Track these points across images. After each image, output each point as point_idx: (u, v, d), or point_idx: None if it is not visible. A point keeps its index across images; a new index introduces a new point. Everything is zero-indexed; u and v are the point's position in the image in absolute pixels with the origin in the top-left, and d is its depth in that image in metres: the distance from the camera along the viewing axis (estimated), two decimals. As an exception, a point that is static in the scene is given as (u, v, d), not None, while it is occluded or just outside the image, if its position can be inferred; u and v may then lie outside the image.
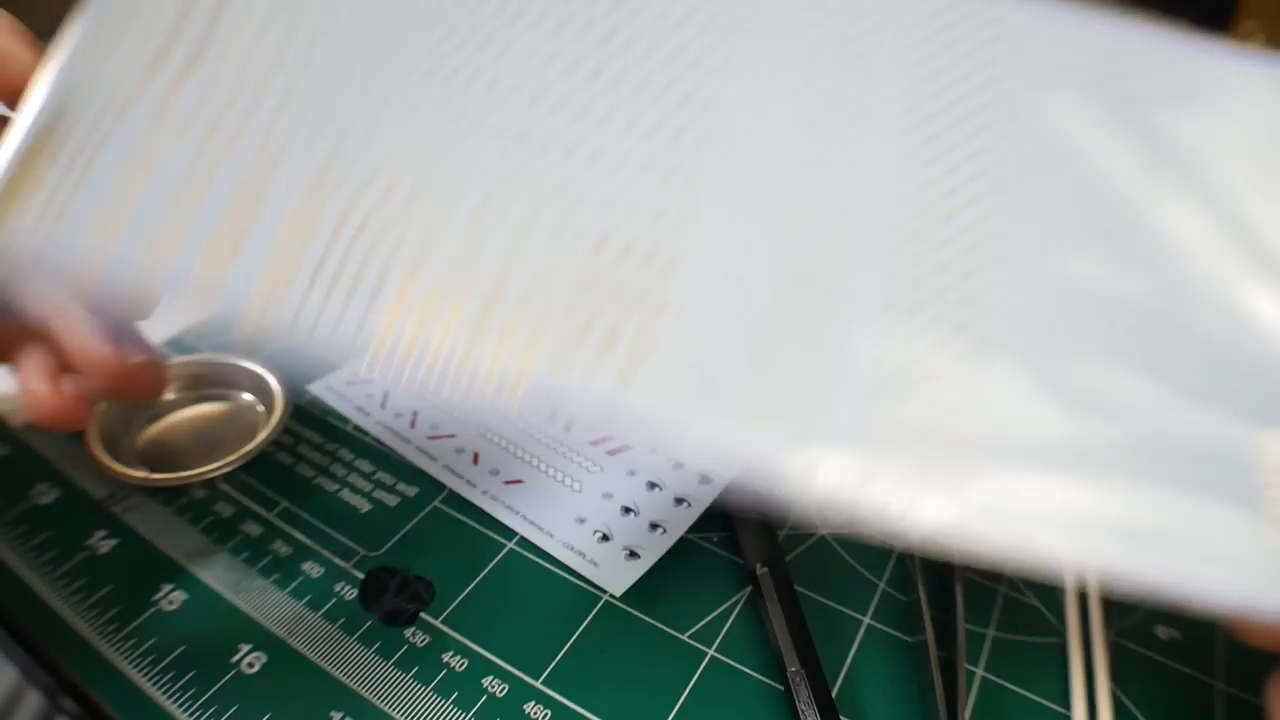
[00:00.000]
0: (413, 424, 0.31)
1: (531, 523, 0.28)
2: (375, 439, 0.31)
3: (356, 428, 0.31)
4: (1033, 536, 0.15)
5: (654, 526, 0.28)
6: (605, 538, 0.28)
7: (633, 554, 0.27)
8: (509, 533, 0.28)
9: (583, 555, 0.27)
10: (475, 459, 0.30)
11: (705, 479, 0.30)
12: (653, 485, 0.30)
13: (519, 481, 0.30)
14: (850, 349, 0.16)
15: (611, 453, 0.31)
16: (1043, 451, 0.16)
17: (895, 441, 0.16)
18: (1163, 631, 0.28)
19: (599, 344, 0.16)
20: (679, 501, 0.29)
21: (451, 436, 0.31)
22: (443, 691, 0.23)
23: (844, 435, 0.16)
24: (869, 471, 0.15)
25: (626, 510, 0.29)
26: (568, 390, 0.16)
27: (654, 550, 0.28)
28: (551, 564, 0.27)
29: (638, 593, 0.27)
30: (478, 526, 0.28)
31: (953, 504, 0.15)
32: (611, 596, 0.26)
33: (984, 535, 0.15)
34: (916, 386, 0.16)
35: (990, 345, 0.16)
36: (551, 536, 0.28)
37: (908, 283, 0.17)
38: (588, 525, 0.28)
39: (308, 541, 0.27)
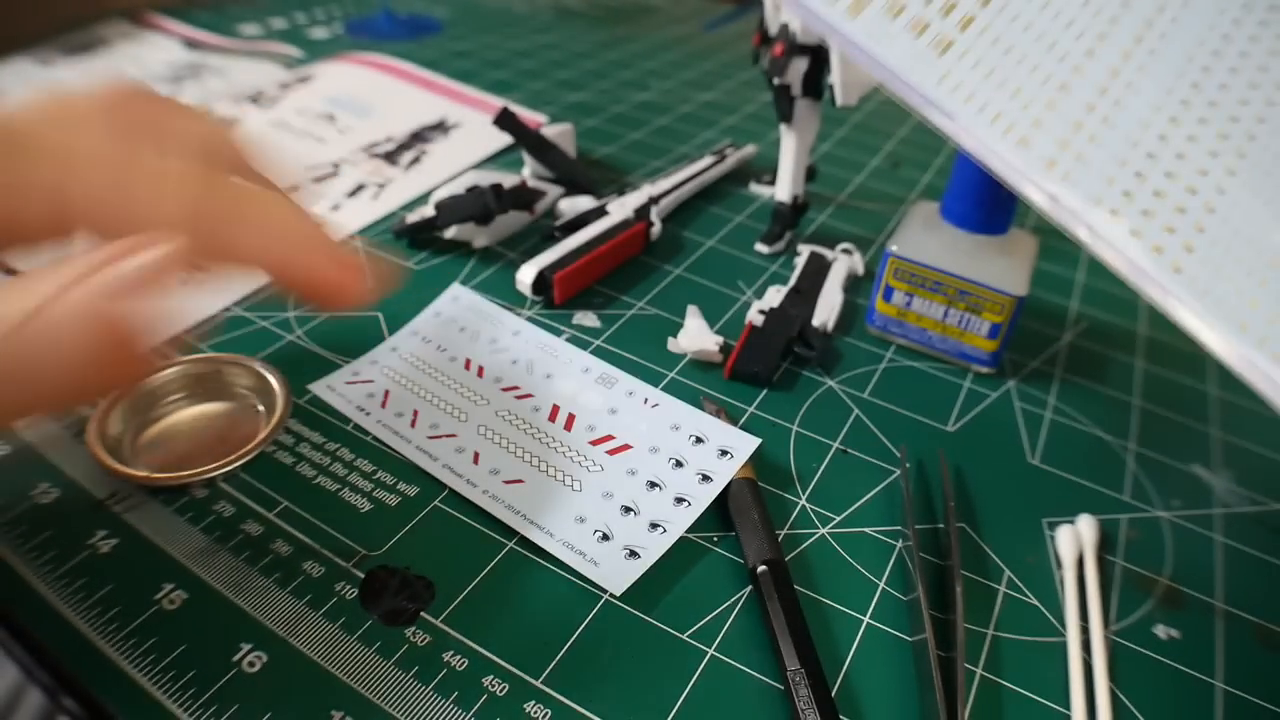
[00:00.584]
0: (413, 423, 0.31)
1: (531, 522, 0.28)
2: (375, 438, 0.31)
3: (357, 427, 0.31)
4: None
5: (654, 526, 0.28)
6: (605, 537, 0.28)
7: (633, 553, 0.27)
8: (509, 532, 0.28)
9: (583, 554, 0.27)
10: (475, 459, 0.30)
11: (706, 477, 0.30)
12: (653, 485, 0.29)
13: (519, 481, 0.29)
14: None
15: (612, 452, 0.31)
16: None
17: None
18: (1162, 631, 0.28)
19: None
20: (679, 501, 0.29)
21: (452, 436, 0.31)
22: (443, 691, 0.24)
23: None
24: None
25: (626, 510, 0.29)
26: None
27: (654, 550, 0.27)
28: (551, 563, 0.27)
29: (638, 592, 0.27)
30: (478, 526, 0.28)
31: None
32: (611, 596, 0.27)
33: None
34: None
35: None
36: (552, 536, 0.28)
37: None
38: (588, 525, 0.28)
39: (308, 541, 0.27)
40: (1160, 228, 0.21)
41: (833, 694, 0.25)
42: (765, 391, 0.36)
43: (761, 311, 0.38)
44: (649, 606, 0.27)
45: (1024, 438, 0.35)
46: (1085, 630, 0.27)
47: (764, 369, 0.36)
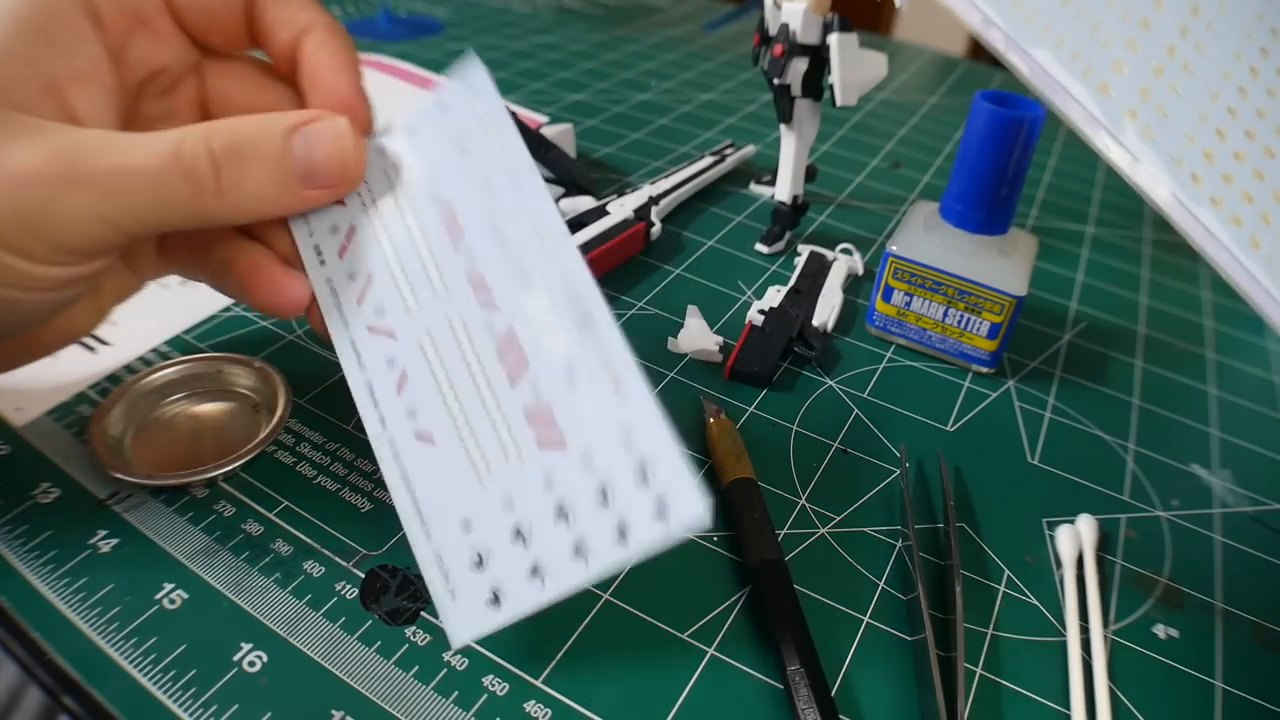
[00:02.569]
0: (361, 298, 0.26)
1: (417, 506, 0.24)
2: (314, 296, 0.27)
3: (357, 425, 0.31)
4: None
5: (534, 572, 0.22)
6: (480, 563, 0.23)
7: (495, 599, 0.22)
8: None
9: (445, 577, 0.23)
10: (400, 384, 0.25)
11: (622, 536, 0.21)
12: (561, 514, 0.22)
13: (429, 440, 0.24)
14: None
15: (541, 443, 0.23)
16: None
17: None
18: (1162, 631, 0.28)
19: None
20: (577, 552, 0.21)
21: (389, 337, 0.25)
22: (443, 690, 0.24)
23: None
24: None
25: (517, 534, 0.22)
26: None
27: (521, 604, 0.22)
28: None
29: (638, 592, 0.27)
30: (478, 526, 0.28)
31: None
32: (610, 598, 0.26)
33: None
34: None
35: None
36: (428, 537, 0.24)
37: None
38: (470, 538, 0.23)
39: (308, 540, 0.27)
40: (1239, 195, 0.20)
41: (833, 694, 0.25)
42: (765, 391, 0.36)
43: (761, 311, 0.38)
44: (649, 606, 0.27)
45: (1024, 438, 0.35)
46: (1085, 630, 0.27)
47: (764, 369, 0.36)
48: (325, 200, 0.25)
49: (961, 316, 0.37)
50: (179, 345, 0.34)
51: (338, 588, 0.26)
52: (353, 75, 0.26)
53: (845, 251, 0.46)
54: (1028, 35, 0.21)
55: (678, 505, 0.20)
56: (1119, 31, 0.21)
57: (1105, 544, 0.31)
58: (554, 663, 0.25)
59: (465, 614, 0.22)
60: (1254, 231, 0.20)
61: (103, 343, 0.34)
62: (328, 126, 0.24)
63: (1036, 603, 0.28)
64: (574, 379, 0.22)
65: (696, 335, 0.37)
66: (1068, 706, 0.25)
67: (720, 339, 0.37)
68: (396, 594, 0.26)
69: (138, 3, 0.25)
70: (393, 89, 0.60)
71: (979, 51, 1.33)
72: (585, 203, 0.46)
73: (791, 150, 0.44)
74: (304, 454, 0.30)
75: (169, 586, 0.25)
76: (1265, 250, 0.20)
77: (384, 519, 0.28)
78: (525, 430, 0.23)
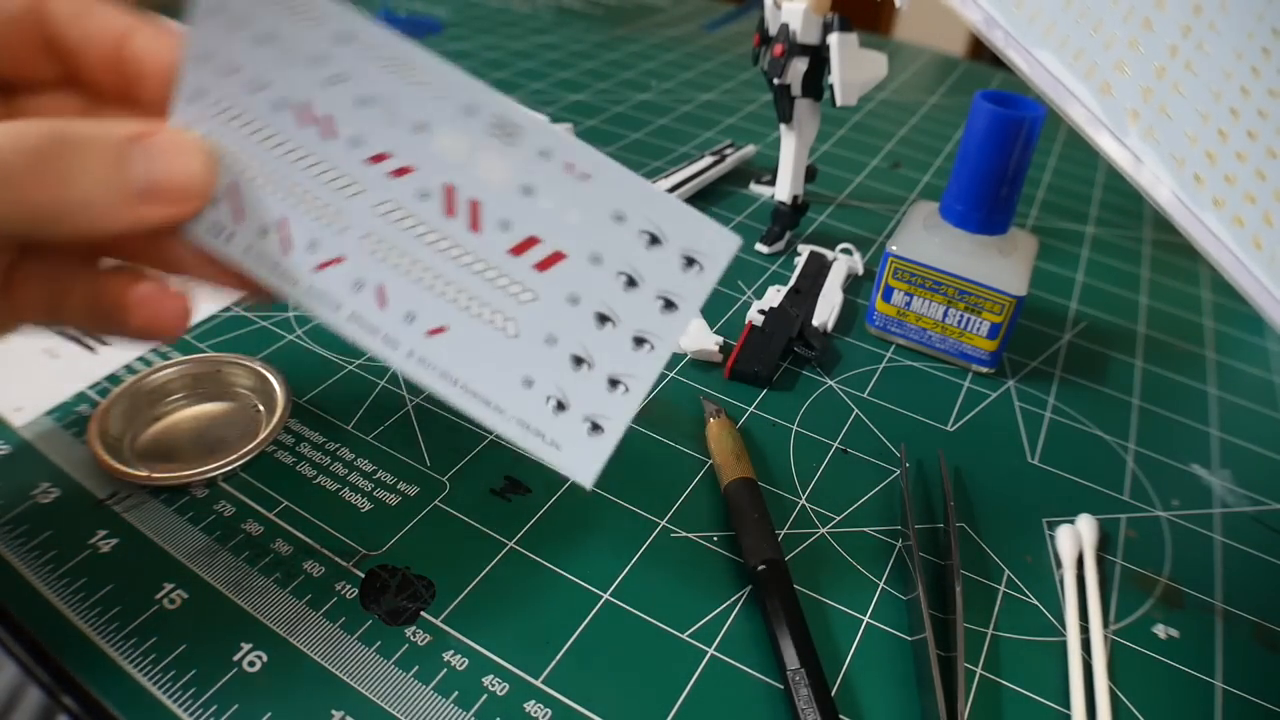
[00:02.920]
0: (286, 246, 0.23)
1: (474, 394, 0.22)
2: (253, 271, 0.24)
3: (358, 424, 0.31)
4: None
5: (613, 383, 0.22)
6: (561, 406, 0.22)
7: (595, 426, 0.22)
8: (509, 531, 0.28)
9: (541, 435, 0.22)
10: (380, 298, 0.22)
11: (669, 304, 0.21)
12: (604, 319, 0.22)
13: (442, 330, 0.22)
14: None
15: (541, 266, 0.22)
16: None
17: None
18: (1162, 631, 0.28)
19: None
20: (639, 343, 0.22)
21: (339, 261, 0.22)
22: (443, 690, 0.24)
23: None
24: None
25: (578, 361, 0.22)
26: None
27: (619, 418, 0.22)
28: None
29: (638, 592, 0.27)
30: (478, 526, 0.28)
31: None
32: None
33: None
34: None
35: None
36: (501, 413, 0.22)
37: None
38: (537, 389, 0.22)
39: (308, 540, 0.27)
40: (1242, 196, 0.20)
41: (833, 694, 0.25)
42: (765, 391, 0.36)
43: (761, 311, 0.38)
44: (649, 606, 0.27)
45: (1024, 437, 0.35)
46: (1085, 630, 0.27)
47: (764, 369, 0.36)
48: (167, 221, 0.21)
49: (961, 316, 0.37)
50: (179, 345, 0.34)
51: (338, 588, 0.26)
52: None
53: (845, 251, 0.46)
54: (1031, 35, 0.21)
55: (702, 245, 0.21)
56: (1121, 32, 0.21)
57: (1105, 544, 0.31)
58: (554, 663, 0.25)
59: (578, 455, 0.22)
60: (1256, 232, 0.20)
61: (103, 343, 0.34)
62: (173, 140, 0.21)
63: (1036, 603, 0.28)
64: (532, 191, 0.21)
65: (696, 335, 0.37)
66: (1068, 706, 0.25)
67: (720, 339, 0.37)
68: (396, 594, 0.26)
69: None
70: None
71: (979, 51, 1.33)
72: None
73: (791, 150, 0.44)
74: (304, 454, 0.30)
75: (169, 586, 0.25)
76: (1268, 251, 0.20)
77: (384, 519, 0.28)
78: (517, 265, 0.22)
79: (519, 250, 0.22)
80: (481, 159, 0.21)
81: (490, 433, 0.23)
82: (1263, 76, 0.22)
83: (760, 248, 0.46)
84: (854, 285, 0.44)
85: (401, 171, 0.22)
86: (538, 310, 0.22)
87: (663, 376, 0.36)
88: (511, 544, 0.28)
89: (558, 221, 0.21)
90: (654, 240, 0.21)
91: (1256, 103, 0.21)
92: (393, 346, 0.23)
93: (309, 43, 0.21)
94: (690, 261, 0.21)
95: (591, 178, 0.21)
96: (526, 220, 0.21)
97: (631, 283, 0.21)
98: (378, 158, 0.22)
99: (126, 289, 0.23)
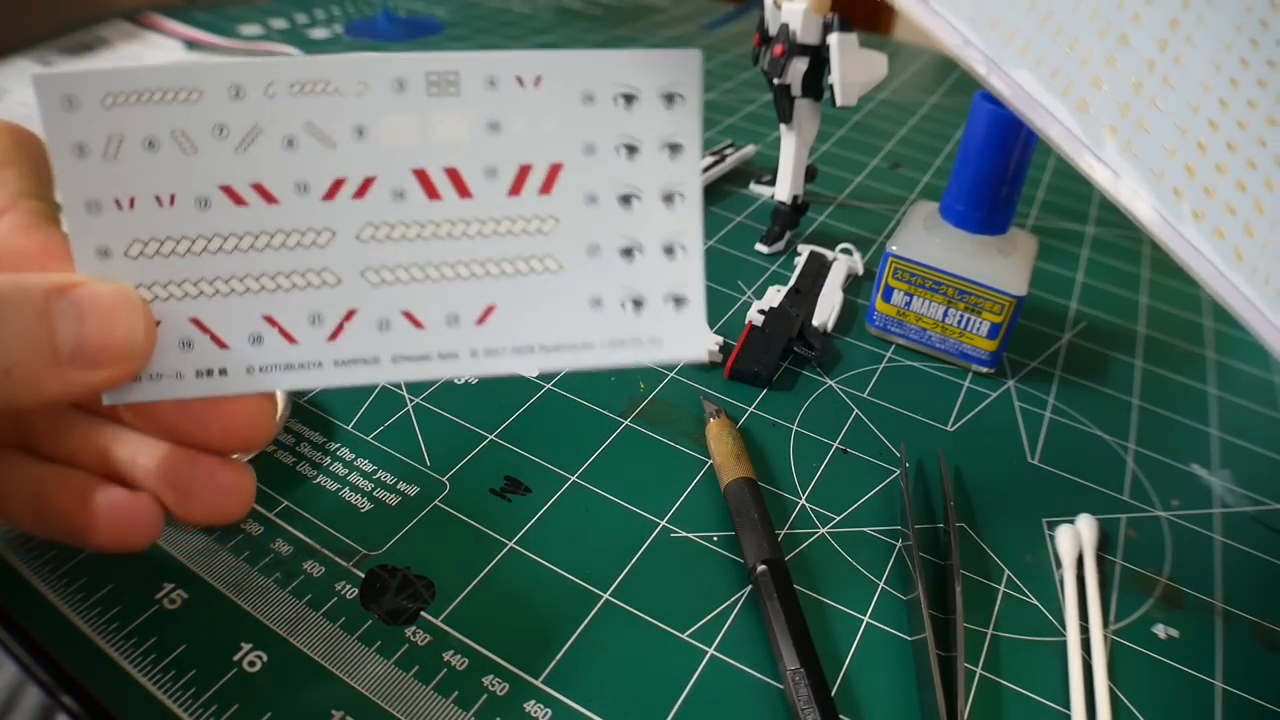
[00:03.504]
0: (287, 336, 0.20)
1: (556, 347, 0.21)
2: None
3: (358, 425, 0.31)
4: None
5: (669, 251, 0.21)
6: (637, 303, 0.21)
7: (678, 300, 0.21)
8: (509, 531, 0.28)
9: (639, 342, 0.21)
10: (414, 322, 0.21)
11: (674, 147, 0.21)
12: (626, 199, 0.21)
13: (489, 310, 0.21)
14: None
15: (545, 189, 0.21)
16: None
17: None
18: (1162, 631, 0.28)
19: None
20: (669, 200, 0.21)
21: (351, 316, 0.20)
22: (443, 690, 0.24)
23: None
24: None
25: (627, 252, 0.21)
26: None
27: (692, 283, 0.21)
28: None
29: (638, 592, 0.27)
30: (478, 526, 0.28)
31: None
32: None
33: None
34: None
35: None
36: (591, 347, 0.21)
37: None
38: (609, 302, 0.21)
39: (308, 540, 0.27)
40: (1222, 208, 0.20)
41: (833, 694, 0.25)
42: (765, 391, 0.36)
43: (761, 311, 0.38)
44: (649, 606, 0.27)
45: (1024, 438, 0.35)
46: (1085, 630, 0.27)
47: (764, 369, 0.36)
48: (102, 385, 0.18)
49: (961, 316, 0.37)
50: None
51: (338, 588, 0.26)
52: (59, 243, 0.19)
53: (845, 251, 0.46)
54: (1007, 56, 0.21)
55: (670, 75, 0.20)
56: (1098, 48, 0.21)
57: (1105, 544, 0.31)
58: (554, 663, 0.25)
59: (680, 338, 0.21)
60: (1237, 244, 0.20)
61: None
62: (99, 292, 0.18)
63: (1036, 603, 0.28)
64: (499, 125, 0.20)
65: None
66: (1068, 706, 0.25)
67: (720, 339, 0.37)
68: (396, 594, 0.26)
69: None
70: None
71: (979, 51, 1.32)
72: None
73: (791, 150, 0.44)
74: (304, 454, 0.30)
75: (169, 586, 0.25)
76: (1249, 262, 0.20)
77: (384, 519, 0.28)
78: (524, 202, 0.20)
79: (517, 188, 0.20)
80: (436, 125, 0.20)
81: (596, 369, 0.23)
82: (1241, 88, 0.22)
83: (760, 248, 0.46)
84: (854, 285, 0.44)
85: (365, 187, 0.20)
86: (565, 230, 0.21)
87: (663, 376, 0.36)
88: (511, 544, 0.28)
89: (537, 137, 0.20)
90: (628, 99, 0.20)
91: (1235, 114, 0.21)
92: (453, 359, 0.21)
93: (199, 120, 0.19)
94: (670, 98, 0.20)
95: (544, 78, 0.20)
96: (508, 154, 0.20)
97: (632, 150, 0.21)
98: (333, 190, 0.20)
99: (86, 496, 0.19)
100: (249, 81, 0.19)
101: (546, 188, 0.20)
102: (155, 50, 0.66)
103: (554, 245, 0.21)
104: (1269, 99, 0.22)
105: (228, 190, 0.19)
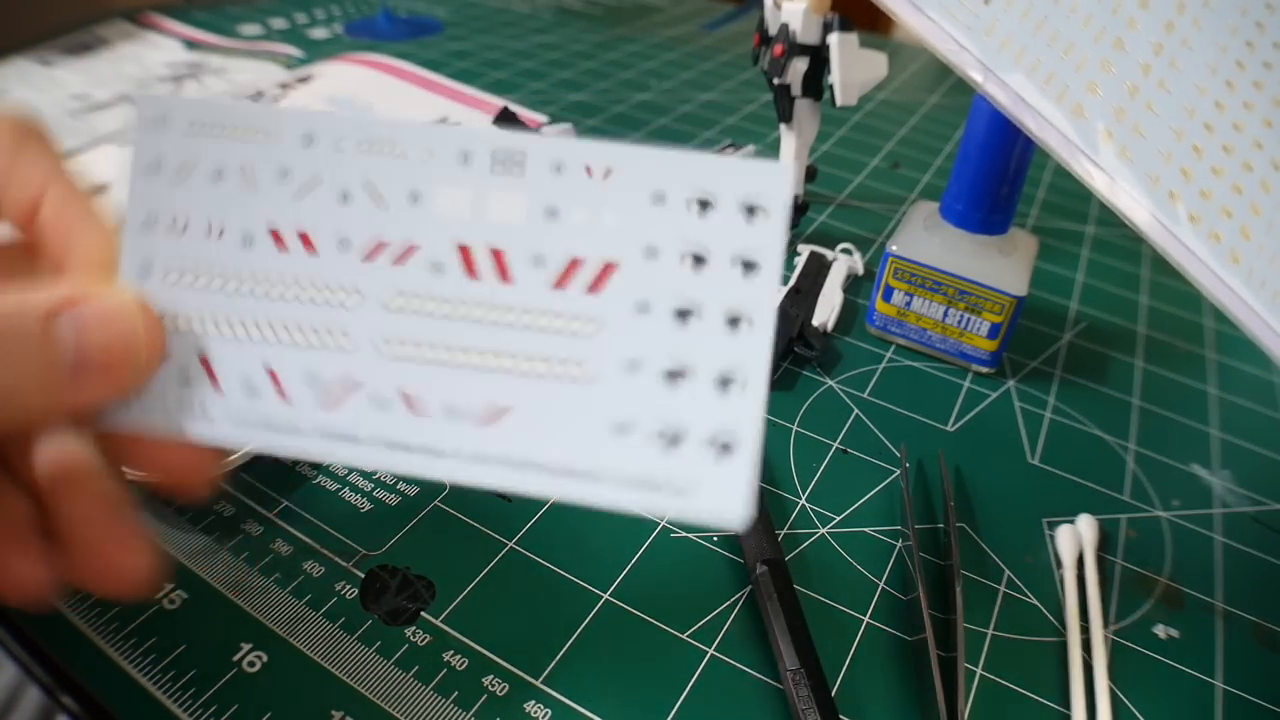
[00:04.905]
0: (282, 394, 0.19)
1: (557, 471, 0.18)
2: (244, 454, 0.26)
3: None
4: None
5: (724, 384, 0.18)
6: (673, 440, 0.18)
7: (724, 447, 0.18)
8: (510, 531, 0.28)
9: (660, 488, 0.18)
10: (410, 405, 0.19)
11: (750, 265, 0.18)
12: (683, 314, 0.18)
13: (501, 412, 0.18)
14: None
15: (594, 287, 0.18)
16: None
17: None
18: (1162, 631, 0.28)
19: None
20: (733, 323, 0.18)
21: (356, 389, 0.19)
22: (443, 690, 0.24)
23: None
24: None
25: (673, 376, 0.18)
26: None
27: (746, 426, 0.18)
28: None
29: (638, 592, 0.27)
30: (478, 526, 0.28)
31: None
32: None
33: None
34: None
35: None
36: (599, 480, 0.18)
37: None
38: (636, 431, 0.18)
39: (308, 541, 0.27)
40: (1218, 210, 0.20)
41: (833, 694, 0.25)
42: (765, 391, 0.36)
43: (761, 311, 0.38)
44: (649, 606, 0.27)
45: (1024, 438, 0.35)
46: (1085, 630, 0.27)
47: (764, 369, 0.36)
48: (105, 399, 0.18)
49: (961, 316, 0.37)
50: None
51: (338, 588, 0.26)
52: (103, 231, 0.20)
53: (845, 251, 0.46)
54: (1001, 61, 0.21)
55: (756, 186, 0.18)
56: (1093, 53, 0.21)
57: (1105, 544, 0.31)
58: (554, 663, 0.25)
59: (717, 492, 0.18)
60: (1233, 246, 0.20)
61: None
62: (104, 307, 0.18)
63: (1036, 603, 0.28)
64: (557, 213, 0.19)
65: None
66: (1068, 707, 0.25)
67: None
68: (396, 594, 0.26)
69: None
70: (394, 89, 0.60)
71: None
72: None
73: (791, 150, 0.44)
74: (304, 454, 0.30)
75: (169, 587, 0.25)
76: (1245, 264, 0.20)
77: (384, 519, 0.28)
78: (568, 297, 0.18)
79: (563, 281, 0.18)
80: (492, 202, 0.19)
81: (598, 508, 0.19)
82: (1237, 91, 0.22)
83: (760, 248, 0.46)
84: (854, 285, 0.44)
85: (406, 254, 0.19)
86: (606, 338, 0.18)
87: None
88: (511, 544, 0.28)
89: (596, 231, 0.18)
90: (704, 206, 0.18)
91: (1231, 117, 0.21)
92: (437, 458, 0.18)
93: (267, 160, 0.19)
94: (751, 210, 0.18)
95: (614, 171, 0.18)
96: (561, 244, 0.18)
97: (699, 260, 0.18)
98: (373, 251, 0.19)
99: (93, 534, 0.19)
100: (322, 132, 0.19)
101: (595, 286, 0.18)
102: (155, 50, 0.66)
103: (590, 351, 0.18)
104: (1265, 102, 0.22)
105: (274, 233, 0.19)
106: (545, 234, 0.18)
